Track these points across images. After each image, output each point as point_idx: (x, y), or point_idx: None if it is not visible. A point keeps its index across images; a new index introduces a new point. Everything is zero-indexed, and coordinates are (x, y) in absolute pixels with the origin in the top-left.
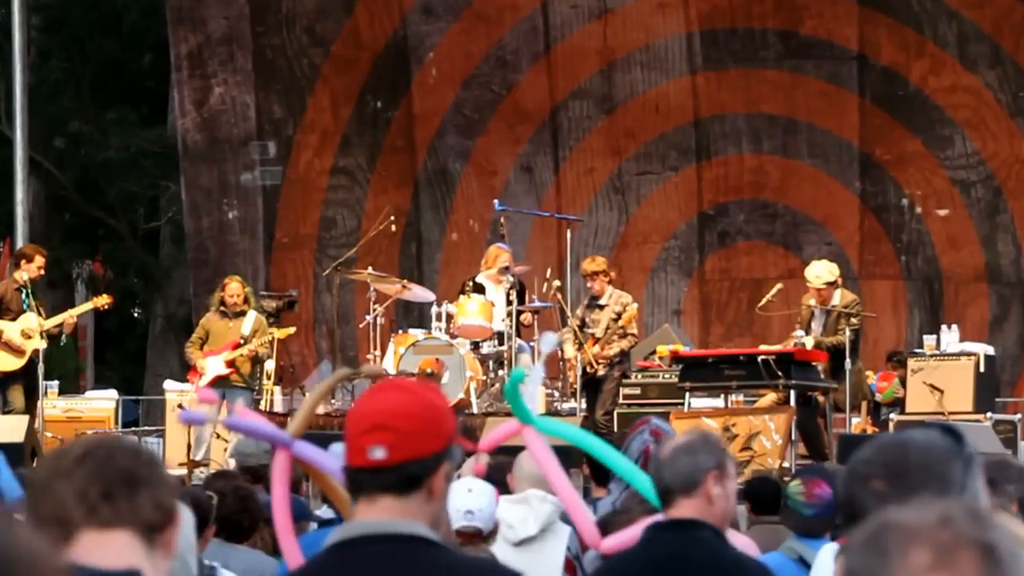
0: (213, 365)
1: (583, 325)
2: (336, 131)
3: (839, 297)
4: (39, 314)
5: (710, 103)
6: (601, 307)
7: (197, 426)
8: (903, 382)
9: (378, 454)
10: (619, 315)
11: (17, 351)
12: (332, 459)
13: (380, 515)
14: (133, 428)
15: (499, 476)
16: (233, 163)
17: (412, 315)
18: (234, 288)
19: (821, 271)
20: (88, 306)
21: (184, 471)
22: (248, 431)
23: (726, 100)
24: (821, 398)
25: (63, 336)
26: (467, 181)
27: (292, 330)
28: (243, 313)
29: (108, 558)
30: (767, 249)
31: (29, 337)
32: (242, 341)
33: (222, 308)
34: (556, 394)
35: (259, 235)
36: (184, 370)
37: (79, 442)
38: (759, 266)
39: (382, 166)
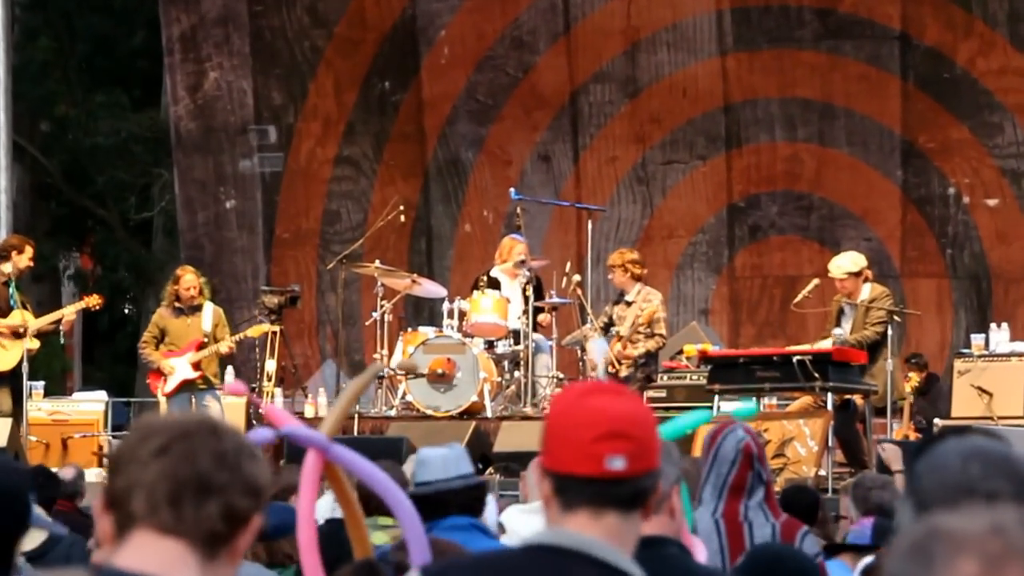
0: (180, 367)
1: (611, 323)
2: (340, 118)
3: (868, 291)
4: (27, 310)
5: (741, 87)
6: (628, 303)
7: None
8: (922, 387)
9: (617, 464)
10: (643, 312)
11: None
12: (371, 466)
13: (603, 535)
14: (123, 432)
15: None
16: (230, 153)
17: (422, 314)
18: (189, 280)
19: (843, 261)
20: (78, 306)
21: None
22: (301, 440)
23: (758, 83)
24: (860, 401)
25: (61, 335)
26: (480, 171)
27: (266, 327)
28: (199, 307)
29: (152, 565)
30: (802, 244)
31: (19, 336)
32: (205, 339)
33: (176, 303)
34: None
35: (258, 230)
36: (146, 372)
37: (170, 425)
38: (793, 263)
39: (389, 155)
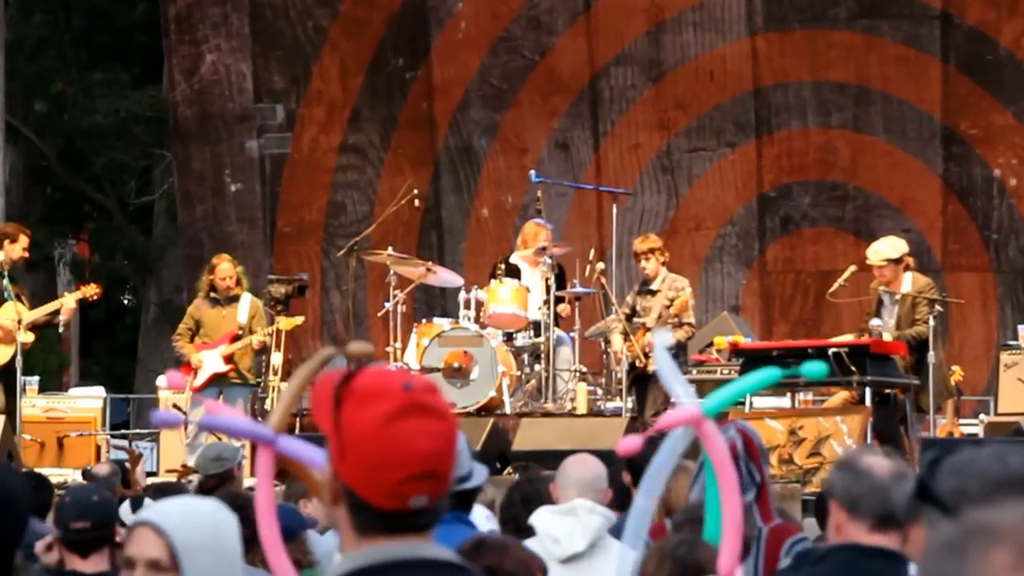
0: (210, 360)
1: (633, 313)
2: (345, 104)
3: (910, 282)
4: (21, 302)
5: (772, 69)
6: (653, 292)
7: (171, 428)
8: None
9: (421, 503)
10: (672, 302)
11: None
12: (322, 455)
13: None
14: (123, 431)
15: (535, 489)
16: (227, 143)
17: (433, 308)
18: (225, 269)
19: (882, 246)
20: (75, 297)
21: (174, 478)
22: (225, 429)
23: (790, 66)
24: (901, 396)
25: (60, 327)
26: (494, 160)
27: (299, 320)
28: (236, 298)
29: None
30: (836, 237)
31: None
32: (240, 331)
33: (212, 294)
34: (600, 392)
35: (259, 224)
36: (178, 366)
37: None
38: (827, 256)
39: (397, 143)
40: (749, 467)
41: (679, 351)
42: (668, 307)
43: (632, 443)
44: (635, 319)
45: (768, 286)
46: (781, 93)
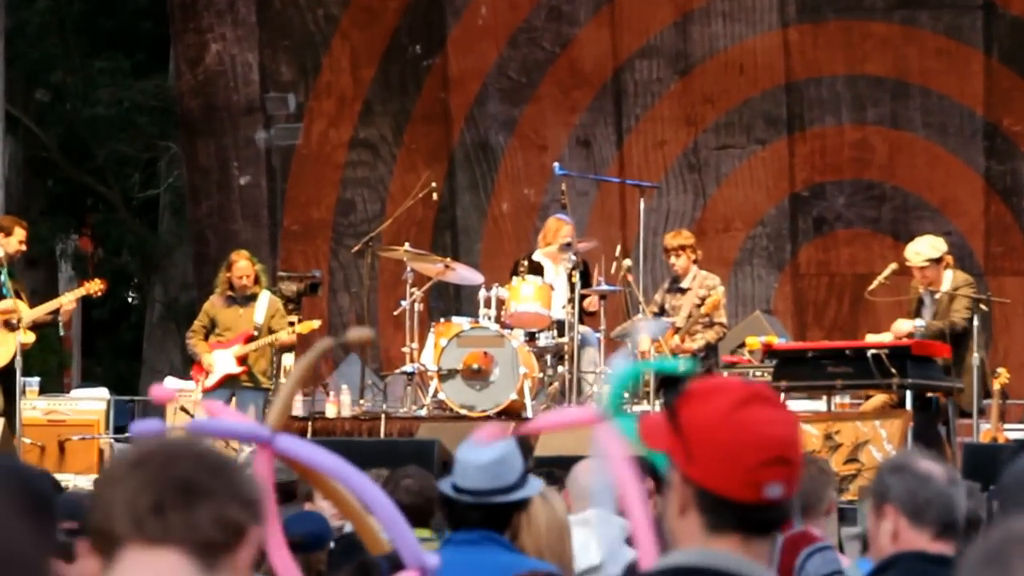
0: (222, 361)
1: (662, 312)
2: (356, 97)
3: (950, 280)
4: (21, 299)
5: (805, 62)
6: (683, 291)
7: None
8: None
9: (776, 492)
10: (703, 300)
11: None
12: (326, 454)
13: (754, 558)
14: (127, 434)
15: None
16: (232, 136)
17: (448, 307)
18: (243, 267)
19: (922, 246)
20: (78, 294)
21: None
22: (214, 433)
23: (824, 59)
24: (943, 400)
25: (60, 327)
26: (512, 157)
27: (316, 324)
28: (253, 297)
29: None
30: (872, 239)
31: (13, 328)
32: (256, 332)
33: (229, 292)
34: (626, 395)
35: (264, 222)
36: (187, 365)
37: (143, 444)
38: (863, 259)
39: (410, 138)
40: None
41: (709, 352)
42: (698, 306)
43: (489, 432)
44: (664, 318)
45: (801, 290)
46: (814, 87)
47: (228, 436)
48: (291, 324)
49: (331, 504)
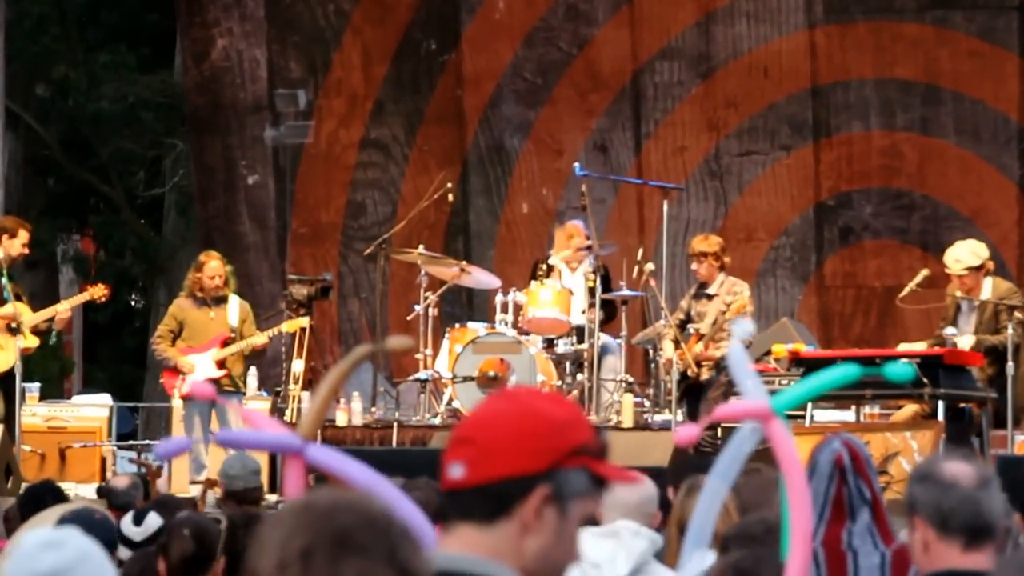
0: (202, 365)
1: (688, 319)
2: (368, 95)
3: (990, 288)
4: (21, 302)
5: (832, 66)
6: (710, 297)
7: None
8: None
9: (456, 472)
10: (729, 307)
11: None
12: (358, 465)
13: (458, 548)
14: (130, 442)
15: None
16: (238, 135)
17: (460, 313)
18: (214, 267)
19: (961, 253)
20: (81, 299)
21: (199, 491)
22: (245, 444)
23: (852, 62)
24: (976, 411)
25: (52, 334)
26: (527, 161)
27: (304, 322)
28: (223, 299)
29: None
30: (901, 250)
31: (14, 333)
32: (233, 334)
33: (199, 293)
34: (647, 403)
35: (271, 224)
36: (160, 370)
37: (315, 490)
38: (891, 271)
39: (423, 140)
40: (858, 483)
41: None
42: (724, 313)
43: (688, 433)
44: (689, 325)
45: (826, 303)
46: (842, 92)
47: (259, 446)
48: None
49: None
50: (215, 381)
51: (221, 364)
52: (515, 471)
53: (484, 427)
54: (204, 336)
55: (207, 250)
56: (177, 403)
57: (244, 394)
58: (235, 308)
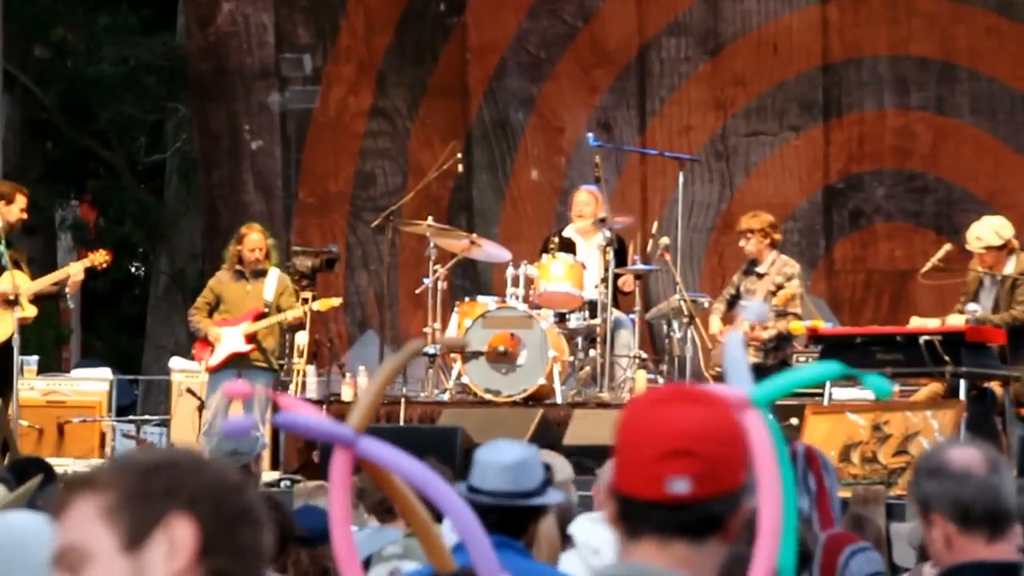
0: (230, 338)
1: (737, 295)
2: (373, 64)
3: (1013, 264)
4: (21, 270)
5: (844, 42)
6: (760, 275)
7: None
8: None
9: (680, 487)
10: (779, 288)
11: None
12: (409, 460)
13: (672, 564)
14: (130, 416)
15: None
16: (244, 102)
17: (468, 287)
18: (255, 240)
19: (983, 231)
20: (83, 265)
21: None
22: (304, 429)
23: (865, 38)
24: (998, 390)
25: (67, 298)
26: (532, 137)
27: (336, 302)
28: (263, 273)
29: None
30: (914, 233)
31: (13, 302)
32: (266, 309)
33: (238, 266)
34: (661, 380)
35: (278, 194)
36: (192, 342)
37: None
38: (904, 255)
39: (426, 112)
40: (806, 474)
41: (781, 343)
42: (773, 293)
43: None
44: (737, 303)
45: (836, 288)
46: (854, 69)
47: (313, 434)
48: (304, 301)
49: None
50: (243, 355)
51: (251, 338)
52: (735, 485)
53: (699, 438)
54: (240, 309)
55: (249, 223)
56: (177, 377)
57: (275, 371)
58: (272, 282)
